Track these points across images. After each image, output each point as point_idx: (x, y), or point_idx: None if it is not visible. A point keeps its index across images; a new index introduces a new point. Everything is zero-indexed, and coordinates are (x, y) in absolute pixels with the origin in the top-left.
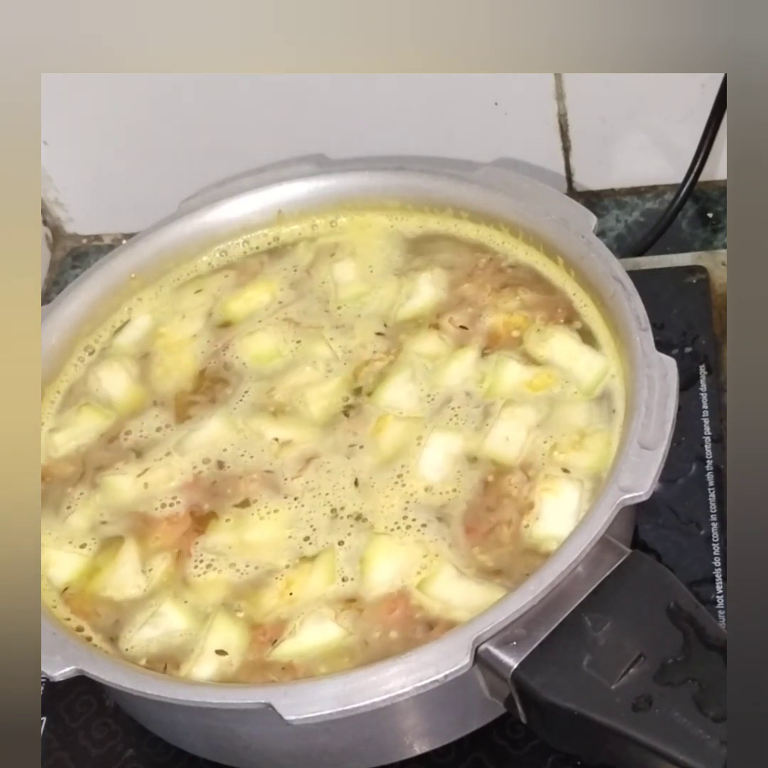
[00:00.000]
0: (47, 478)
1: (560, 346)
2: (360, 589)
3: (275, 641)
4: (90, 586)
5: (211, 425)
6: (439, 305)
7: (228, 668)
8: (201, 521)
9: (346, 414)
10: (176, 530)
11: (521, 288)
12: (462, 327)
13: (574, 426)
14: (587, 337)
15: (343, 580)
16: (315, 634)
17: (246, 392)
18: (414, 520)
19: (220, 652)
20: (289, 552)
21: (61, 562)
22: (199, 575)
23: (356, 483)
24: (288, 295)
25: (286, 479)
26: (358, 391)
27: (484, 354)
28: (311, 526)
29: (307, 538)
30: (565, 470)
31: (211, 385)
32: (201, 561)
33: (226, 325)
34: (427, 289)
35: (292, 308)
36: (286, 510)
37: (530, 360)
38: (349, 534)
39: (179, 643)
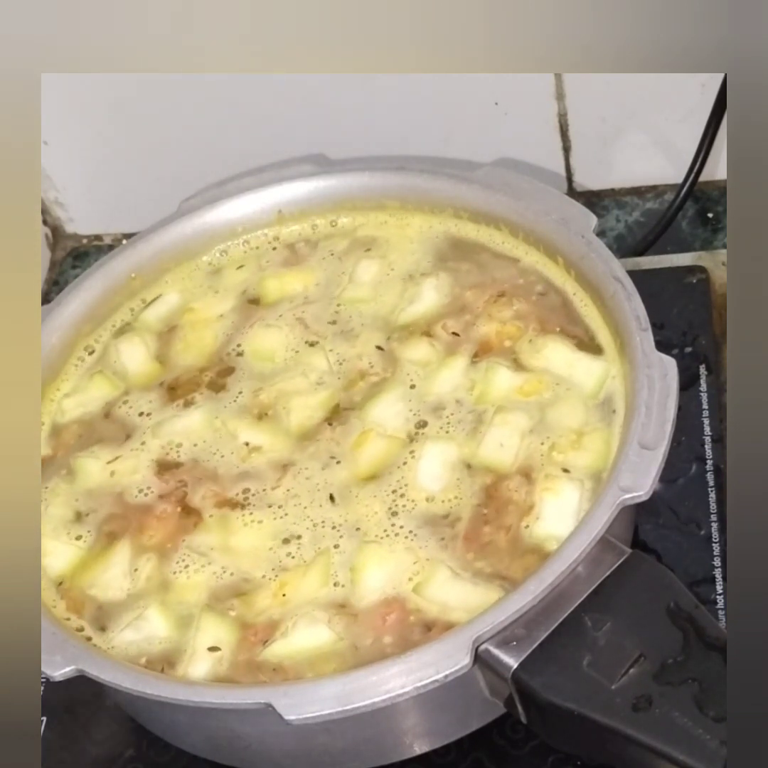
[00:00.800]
0: (58, 451)
1: (555, 354)
2: (351, 597)
3: (266, 641)
4: (77, 582)
5: (193, 417)
6: (440, 312)
7: (219, 666)
8: (190, 516)
9: (329, 424)
10: (167, 525)
11: (517, 298)
12: (454, 334)
13: (571, 426)
14: (591, 347)
15: (335, 585)
16: (306, 637)
17: (240, 393)
18: (401, 527)
19: (213, 649)
20: (267, 564)
21: (56, 552)
22: (175, 572)
23: (332, 498)
24: (317, 291)
25: (265, 490)
26: (344, 408)
27: (473, 361)
28: (296, 539)
29: (289, 554)
30: (565, 470)
31: (215, 373)
32: (182, 560)
33: (255, 301)
34: (430, 295)
35: (310, 309)
36: (271, 520)
37: (520, 366)
38: (340, 536)
39: (158, 651)
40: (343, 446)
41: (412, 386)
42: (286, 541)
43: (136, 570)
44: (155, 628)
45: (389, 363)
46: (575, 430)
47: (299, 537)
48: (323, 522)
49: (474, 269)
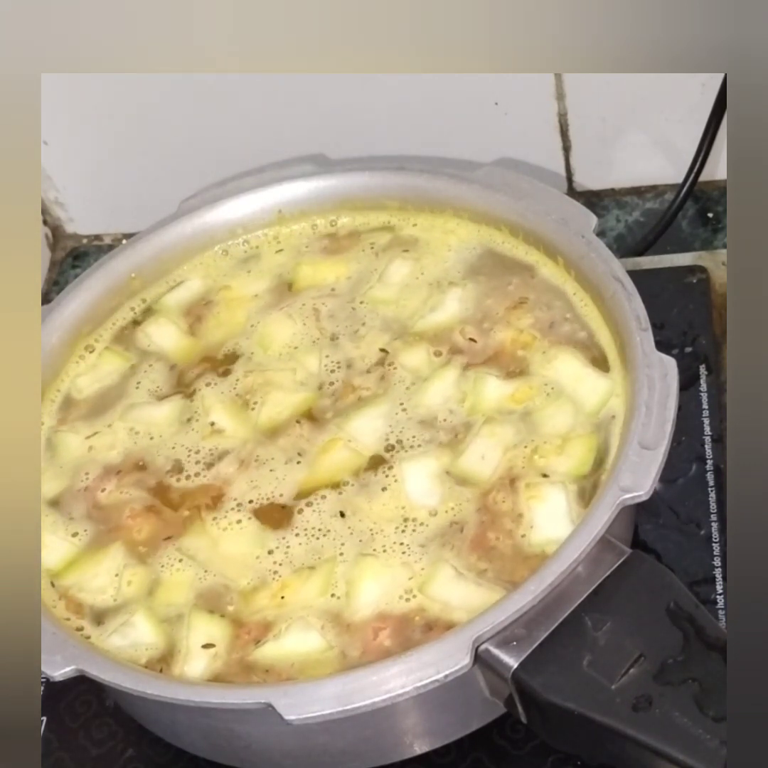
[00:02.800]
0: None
1: (565, 367)
2: (346, 610)
3: (258, 641)
4: (67, 583)
5: (162, 409)
6: (459, 323)
7: (214, 663)
8: (181, 523)
9: (298, 422)
10: (146, 524)
11: (538, 309)
12: (471, 340)
13: (558, 432)
14: (602, 366)
15: (332, 596)
16: (297, 641)
17: (237, 380)
18: (402, 543)
19: (207, 646)
20: (251, 572)
21: (51, 546)
22: (162, 567)
23: (342, 514)
24: (346, 285)
25: (200, 474)
26: (319, 414)
27: (464, 371)
28: (285, 552)
29: (275, 562)
30: (545, 475)
31: (225, 358)
32: (167, 560)
33: (289, 286)
34: (452, 306)
35: (330, 302)
36: (256, 526)
37: (509, 374)
38: (342, 544)
39: (145, 659)
40: (312, 445)
41: (401, 404)
42: (270, 552)
43: (116, 575)
44: (141, 634)
45: (384, 377)
46: (561, 435)
47: (287, 552)
48: (323, 530)
49: (503, 284)
